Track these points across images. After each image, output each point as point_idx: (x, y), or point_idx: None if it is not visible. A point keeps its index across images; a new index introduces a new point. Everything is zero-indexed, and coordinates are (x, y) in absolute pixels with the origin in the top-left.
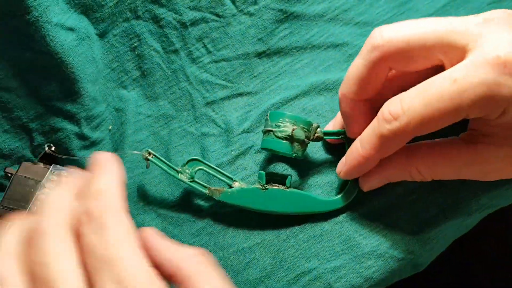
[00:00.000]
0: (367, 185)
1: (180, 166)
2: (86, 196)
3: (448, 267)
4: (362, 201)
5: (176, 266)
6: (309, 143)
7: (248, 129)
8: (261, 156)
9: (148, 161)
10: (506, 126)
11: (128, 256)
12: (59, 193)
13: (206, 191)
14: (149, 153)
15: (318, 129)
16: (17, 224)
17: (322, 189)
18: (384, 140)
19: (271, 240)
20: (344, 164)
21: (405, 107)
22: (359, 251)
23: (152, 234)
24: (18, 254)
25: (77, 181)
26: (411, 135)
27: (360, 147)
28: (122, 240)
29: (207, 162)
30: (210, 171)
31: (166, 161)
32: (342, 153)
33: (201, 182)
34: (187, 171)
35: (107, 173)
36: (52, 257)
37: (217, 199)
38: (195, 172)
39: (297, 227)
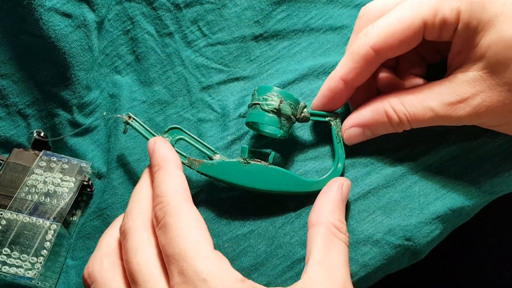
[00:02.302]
0: (348, 135)
1: (160, 134)
2: (154, 198)
3: (448, 256)
4: (358, 187)
5: (317, 217)
6: (295, 122)
7: (245, 113)
8: (256, 142)
9: (127, 126)
10: (465, 48)
11: (187, 250)
12: (139, 195)
13: (185, 161)
14: (129, 117)
15: (305, 109)
16: (113, 226)
17: (318, 174)
18: (355, 55)
19: (266, 227)
20: (318, 95)
21: (374, 25)
22: (354, 237)
23: (335, 184)
24: (113, 252)
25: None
26: (378, 50)
27: (333, 72)
28: (181, 236)
29: (188, 132)
30: (190, 141)
31: (146, 127)
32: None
33: (180, 151)
34: (167, 139)
35: (163, 167)
36: (133, 255)
37: (196, 170)
38: (176, 141)
39: (292, 214)
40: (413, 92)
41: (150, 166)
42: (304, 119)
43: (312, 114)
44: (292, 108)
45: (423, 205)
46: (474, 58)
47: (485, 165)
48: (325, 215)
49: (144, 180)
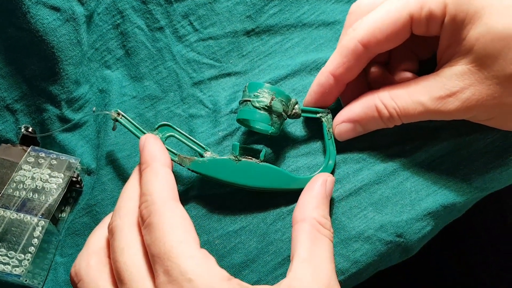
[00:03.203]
0: (339, 131)
1: (150, 131)
2: (140, 197)
3: (439, 253)
4: (350, 183)
5: (302, 212)
6: (286, 118)
7: (236, 109)
8: (248, 138)
9: (115, 123)
10: (454, 43)
11: (170, 249)
12: (128, 194)
13: (176, 159)
14: (118, 114)
15: (297, 105)
16: (102, 224)
17: (310, 170)
18: (344, 50)
19: (257, 224)
20: (309, 91)
21: (363, 19)
22: (345, 234)
23: (319, 179)
24: (100, 251)
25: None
26: (366, 45)
27: (323, 68)
28: (166, 236)
29: (178, 129)
30: (181, 138)
31: (135, 123)
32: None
33: (171, 149)
34: (157, 136)
35: (150, 165)
36: (120, 253)
37: (187, 167)
38: (166, 138)
39: (284, 210)
40: (403, 86)
41: (138, 166)
42: (295, 116)
43: (303, 111)
44: (284, 105)
45: (414, 201)
46: (462, 52)
47: (476, 161)
48: (309, 212)
49: (133, 178)
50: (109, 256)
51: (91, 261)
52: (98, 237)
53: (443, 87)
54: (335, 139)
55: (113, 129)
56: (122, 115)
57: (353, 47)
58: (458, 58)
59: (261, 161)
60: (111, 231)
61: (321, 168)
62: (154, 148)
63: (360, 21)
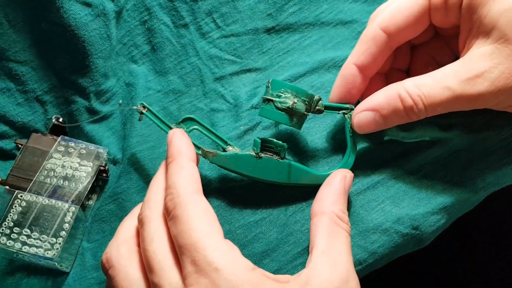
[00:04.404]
0: (359, 120)
1: (174, 124)
2: (165, 189)
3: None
4: (368, 177)
5: (321, 206)
6: (308, 115)
7: (257, 105)
8: (269, 133)
9: (142, 115)
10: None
11: (196, 240)
12: (155, 187)
13: (199, 152)
14: (144, 107)
15: (320, 102)
16: (131, 215)
17: (329, 165)
18: (364, 37)
19: (277, 215)
20: (333, 87)
21: (383, 9)
22: (364, 226)
23: (338, 175)
24: (130, 240)
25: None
26: (386, 29)
27: (346, 61)
28: (191, 228)
29: (202, 122)
30: (204, 132)
31: (160, 117)
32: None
33: (194, 143)
34: (185, 131)
35: (176, 159)
36: (149, 243)
37: (210, 161)
38: (190, 131)
39: (303, 203)
40: (429, 75)
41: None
42: (318, 112)
43: (326, 107)
44: (306, 104)
45: (430, 195)
46: (486, 31)
47: (490, 157)
48: (328, 205)
49: (160, 172)
50: (138, 245)
51: (121, 250)
52: (127, 226)
53: (471, 69)
54: (356, 134)
55: (139, 119)
56: (148, 108)
57: (374, 33)
58: (482, 39)
59: (282, 158)
60: (141, 221)
61: (340, 164)
62: (180, 143)
63: (380, 10)
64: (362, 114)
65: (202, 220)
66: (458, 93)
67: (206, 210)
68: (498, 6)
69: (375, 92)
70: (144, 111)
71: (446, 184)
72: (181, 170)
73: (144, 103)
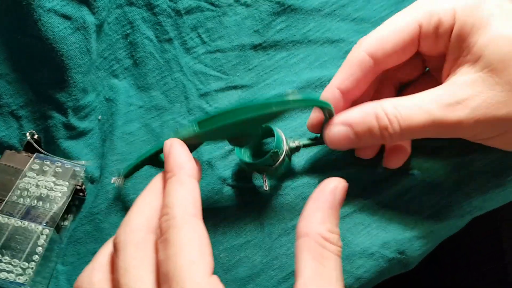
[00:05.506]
0: (332, 134)
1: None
2: (162, 208)
3: (434, 265)
4: (355, 201)
5: (304, 226)
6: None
7: None
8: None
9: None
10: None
11: (181, 271)
12: (138, 208)
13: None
14: (120, 178)
15: (295, 143)
16: (110, 240)
17: None
18: (349, 62)
19: (262, 238)
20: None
21: (369, 34)
22: (350, 250)
23: (326, 186)
24: (105, 267)
25: (161, 187)
26: (373, 55)
27: (329, 83)
28: (179, 254)
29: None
30: None
31: (138, 162)
32: None
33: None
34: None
35: (176, 174)
36: (123, 273)
37: (197, 132)
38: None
39: (289, 224)
40: (409, 97)
41: (162, 173)
42: (296, 150)
43: (305, 145)
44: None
45: (417, 219)
46: (473, 59)
47: (476, 181)
48: (314, 225)
49: (149, 190)
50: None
51: (94, 278)
52: (104, 251)
53: (453, 95)
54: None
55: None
56: (123, 177)
57: (359, 58)
58: (468, 68)
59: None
60: (115, 247)
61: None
62: (180, 155)
63: (367, 35)
64: (336, 128)
65: (193, 248)
66: (437, 118)
67: (201, 238)
68: (488, 34)
69: (352, 107)
70: (121, 183)
71: (432, 208)
72: (181, 188)
73: (117, 175)
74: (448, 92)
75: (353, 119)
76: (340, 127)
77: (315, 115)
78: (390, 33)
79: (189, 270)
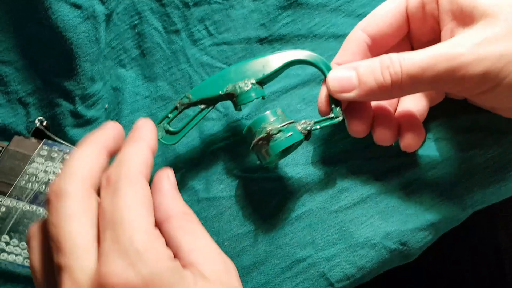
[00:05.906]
0: (334, 74)
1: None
2: (114, 162)
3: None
4: (357, 192)
5: (164, 211)
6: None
7: (247, 115)
8: None
9: None
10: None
11: (130, 219)
12: (85, 153)
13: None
14: None
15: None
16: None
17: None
18: (347, 41)
19: (266, 228)
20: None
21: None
22: (353, 240)
23: (161, 176)
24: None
25: (109, 141)
26: (367, 31)
27: (332, 61)
28: (129, 204)
29: None
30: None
31: None
32: None
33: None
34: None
35: (137, 141)
36: (66, 220)
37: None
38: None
39: (292, 215)
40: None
41: (102, 134)
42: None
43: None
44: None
45: (419, 211)
46: (468, 15)
47: (477, 176)
48: (173, 208)
49: (90, 147)
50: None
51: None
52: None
53: (453, 40)
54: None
55: None
56: None
57: (356, 35)
58: (464, 28)
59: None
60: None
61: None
62: (146, 132)
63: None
64: (340, 70)
65: (142, 203)
66: (437, 53)
67: (149, 198)
68: None
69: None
70: None
71: (434, 201)
72: (140, 152)
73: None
74: (449, 41)
75: (358, 64)
76: (344, 69)
77: (324, 91)
78: (381, 11)
79: (137, 221)
